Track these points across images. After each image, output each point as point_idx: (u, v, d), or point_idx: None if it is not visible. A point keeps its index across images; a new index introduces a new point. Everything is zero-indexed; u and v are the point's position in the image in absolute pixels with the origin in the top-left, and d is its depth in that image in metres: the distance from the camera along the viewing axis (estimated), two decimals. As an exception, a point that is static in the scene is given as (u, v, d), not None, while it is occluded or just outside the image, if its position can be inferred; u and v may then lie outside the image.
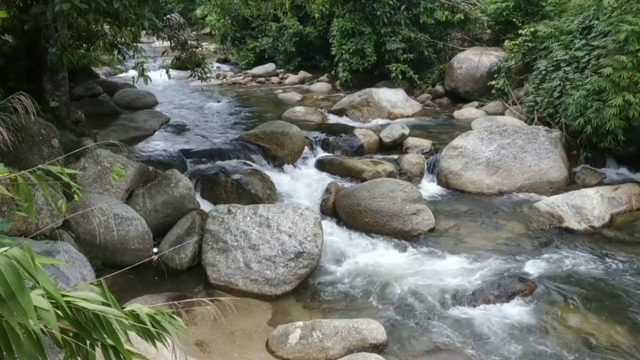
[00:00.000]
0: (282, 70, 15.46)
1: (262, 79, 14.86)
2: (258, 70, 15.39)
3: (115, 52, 10.16)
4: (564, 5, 10.37)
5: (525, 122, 8.93)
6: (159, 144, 8.48)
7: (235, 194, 6.72)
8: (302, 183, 7.61)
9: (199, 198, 6.47)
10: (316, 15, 12.99)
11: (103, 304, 1.60)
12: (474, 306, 4.85)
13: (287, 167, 7.98)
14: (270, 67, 15.52)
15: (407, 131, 8.87)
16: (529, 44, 9.85)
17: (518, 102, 9.81)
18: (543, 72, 8.88)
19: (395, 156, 8.34)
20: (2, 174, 1.83)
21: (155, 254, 5.50)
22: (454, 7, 12.02)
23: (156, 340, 1.71)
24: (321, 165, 8.13)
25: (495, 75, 10.69)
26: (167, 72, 7.49)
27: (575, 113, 7.58)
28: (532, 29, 9.80)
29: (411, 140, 8.69)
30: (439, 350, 4.30)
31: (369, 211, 6.30)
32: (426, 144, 8.56)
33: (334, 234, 6.29)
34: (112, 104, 10.40)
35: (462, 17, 12.01)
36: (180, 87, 13.56)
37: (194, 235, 5.60)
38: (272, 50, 15.80)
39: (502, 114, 9.97)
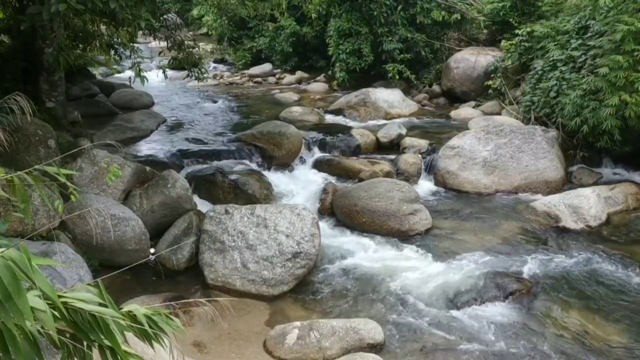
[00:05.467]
0: (279, 70, 15.47)
1: (259, 79, 14.86)
2: (255, 70, 15.39)
3: (112, 52, 10.16)
4: (561, 5, 10.39)
5: (522, 121, 8.94)
6: (155, 145, 8.47)
7: (233, 194, 6.72)
8: (300, 183, 7.61)
9: (196, 198, 6.46)
10: (313, 15, 12.98)
11: (100, 304, 1.60)
12: (471, 306, 4.86)
13: (284, 167, 7.98)
14: (267, 67, 15.53)
15: (404, 131, 8.88)
16: (526, 44, 9.86)
17: (515, 102, 9.82)
18: (539, 72, 8.90)
19: (393, 156, 8.35)
20: (-2, 175, 1.83)
21: (153, 254, 5.49)
22: (451, 7, 12.03)
23: (153, 341, 1.71)
24: (318, 165, 8.13)
25: (492, 75, 10.70)
26: (164, 72, 7.48)
27: (571, 113, 7.60)
28: (528, 29, 9.81)
29: (408, 140, 8.69)
30: (436, 350, 4.31)
31: (366, 211, 6.31)
32: (423, 143, 8.57)
33: (332, 234, 6.29)
34: (108, 105, 10.38)
35: (459, 17, 12.01)
36: (177, 88, 13.54)
37: (191, 236, 5.60)
38: (269, 50, 15.79)
39: (499, 113, 9.99)
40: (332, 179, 7.62)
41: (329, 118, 10.57)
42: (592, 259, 5.60)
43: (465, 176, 7.50)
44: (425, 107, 11.46)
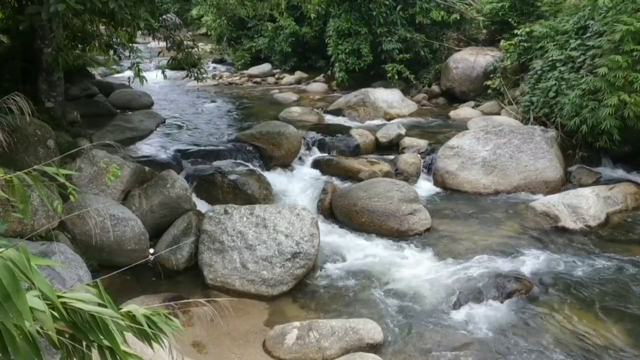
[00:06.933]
0: (278, 70, 15.48)
1: (258, 79, 14.87)
2: (254, 70, 15.40)
3: (111, 52, 10.15)
4: (560, 5, 10.41)
5: (521, 121, 8.96)
6: (155, 145, 8.46)
7: (232, 194, 6.71)
8: (299, 183, 7.61)
9: (195, 198, 6.46)
10: (312, 15, 12.99)
11: (99, 305, 1.60)
12: (471, 305, 4.86)
13: (283, 167, 7.98)
14: (266, 67, 15.53)
15: (403, 131, 8.88)
16: (525, 44, 9.87)
17: (514, 102, 9.83)
18: (539, 72, 8.91)
19: (392, 156, 8.36)
20: (-3, 175, 1.83)
21: (152, 254, 5.49)
22: (450, 7, 12.04)
23: (153, 341, 1.71)
24: (318, 165, 8.14)
25: (491, 75, 10.71)
26: (163, 72, 7.48)
27: (570, 113, 7.61)
28: (527, 29, 9.83)
29: (407, 140, 8.70)
30: (435, 349, 4.30)
31: (366, 211, 6.31)
32: (422, 143, 8.57)
33: (331, 234, 6.28)
34: (108, 105, 10.38)
35: (458, 17, 12.03)
36: (177, 88, 13.54)
37: (191, 236, 5.59)
38: (268, 50, 15.80)
39: (498, 113, 10.00)
40: (332, 179, 7.62)
41: (328, 118, 10.57)
42: (591, 259, 5.60)
43: (464, 176, 7.51)
44: (425, 107, 11.47)
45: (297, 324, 4.42)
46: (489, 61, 10.96)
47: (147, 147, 8.30)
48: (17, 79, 7.38)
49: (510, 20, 11.21)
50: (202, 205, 6.42)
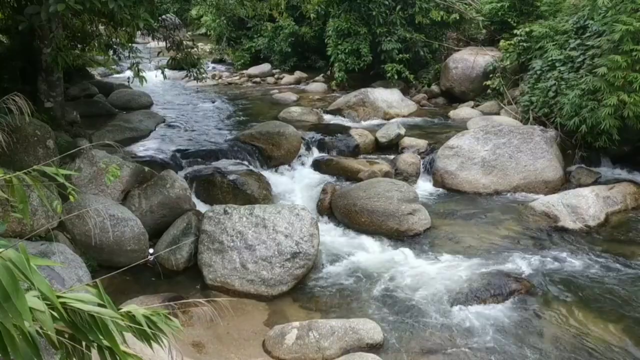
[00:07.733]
0: (277, 70, 15.47)
1: (257, 80, 14.87)
2: (254, 70, 15.40)
3: (111, 52, 10.14)
4: (559, 5, 10.42)
5: (521, 121, 8.96)
6: (154, 145, 8.46)
7: (231, 194, 6.71)
8: (298, 183, 7.62)
9: (194, 199, 6.47)
10: (312, 15, 12.98)
11: (99, 305, 1.60)
12: (470, 306, 4.86)
13: (283, 167, 7.98)
14: (266, 67, 15.53)
15: (402, 131, 8.88)
16: (524, 44, 9.88)
17: (513, 102, 9.84)
18: (538, 72, 8.91)
19: (391, 156, 8.36)
20: (-4, 175, 1.83)
21: (151, 254, 5.49)
22: (450, 7, 12.05)
23: (152, 341, 1.71)
24: (317, 165, 8.13)
25: (491, 75, 10.71)
26: (163, 72, 7.48)
27: (570, 113, 7.62)
28: (527, 29, 9.83)
29: (407, 140, 8.70)
30: (435, 350, 4.31)
31: (365, 211, 6.31)
32: (422, 143, 8.57)
33: (331, 234, 6.29)
34: (107, 105, 10.38)
35: (458, 17, 12.03)
36: (176, 88, 13.53)
37: (190, 236, 5.59)
38: (267, 50, 15.80)
39: (498, 113, 10.00)
40: (331, 179, 7.62)
41: (328, 118, 10.57)
42: (591, 259, 5.61)
43: (464, 176, 7.51)
44: (424, 107, 11.47)
45: (296, 324, 4.42)
46: (489, 61, 10.96)
47: (147, 147, 8.30)
48: (16, 79, 7.37)
49: (509, 20, 11.22)
50: (201, 206, 6.43)
